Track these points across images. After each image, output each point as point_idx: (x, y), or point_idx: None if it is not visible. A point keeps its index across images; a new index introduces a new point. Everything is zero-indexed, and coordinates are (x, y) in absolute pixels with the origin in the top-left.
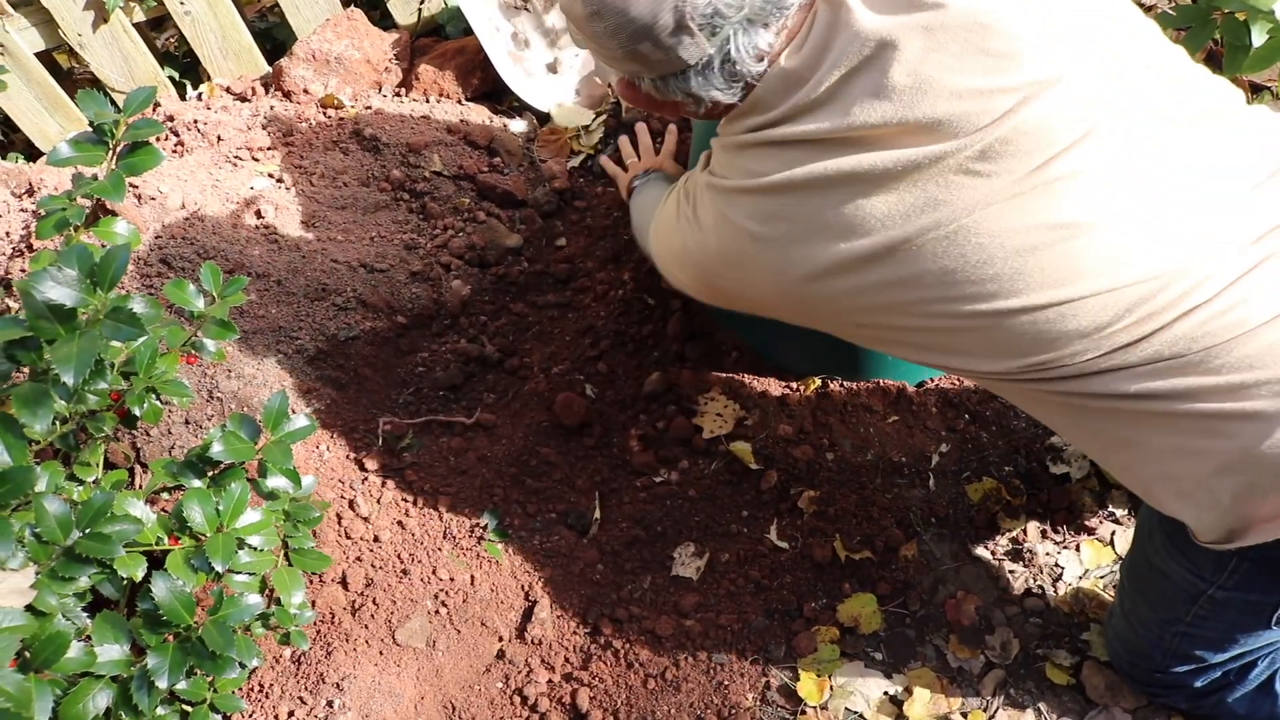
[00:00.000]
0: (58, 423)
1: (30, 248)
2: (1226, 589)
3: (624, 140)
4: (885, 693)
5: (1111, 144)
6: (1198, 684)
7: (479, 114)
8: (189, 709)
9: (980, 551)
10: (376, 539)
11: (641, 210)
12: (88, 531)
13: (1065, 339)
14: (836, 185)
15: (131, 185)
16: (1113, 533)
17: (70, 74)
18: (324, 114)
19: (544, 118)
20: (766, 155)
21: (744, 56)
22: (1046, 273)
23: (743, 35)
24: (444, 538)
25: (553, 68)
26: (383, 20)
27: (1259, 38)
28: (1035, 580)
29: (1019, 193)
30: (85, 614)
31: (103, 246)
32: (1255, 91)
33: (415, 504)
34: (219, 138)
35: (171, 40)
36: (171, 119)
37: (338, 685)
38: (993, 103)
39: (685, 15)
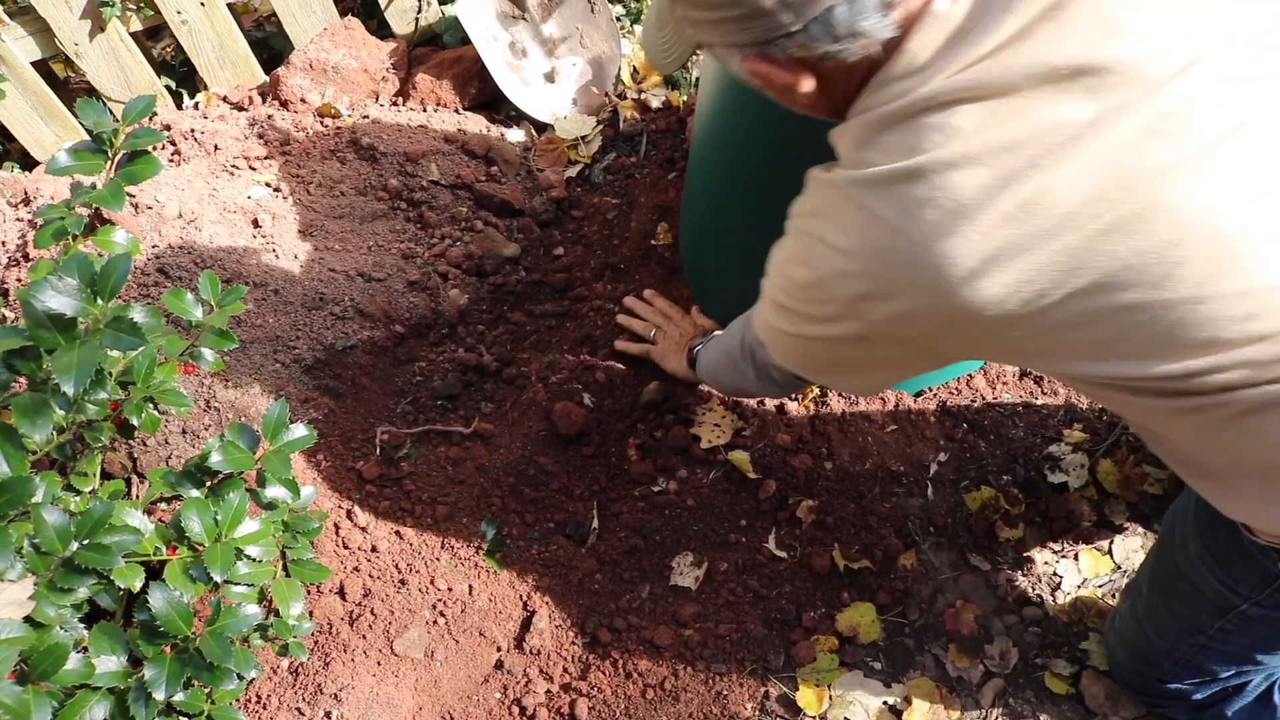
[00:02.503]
0: (55, 432)
1: (27, 256)
2: (1263, 606)
3: (627, 319)
4: (884, 702)
5: (1272, 111)
6: (1199, 696)
7: (476, 123)
8: None
9: (979, 561)
10: (374, 549)
11: (722, 355)
12: (86, 542)
13: (1251, 336)
14: (1009, 152)
15: (129, 194)
16: (1111, 541)
17: (66, 83)
18: (321, 123)
19: (541, 127)
20: (922, 126)
21: None
22: (1237, 257)
23: None
24: (442, 548)
25: (550, 77)
26: (380, 29)
27: None
28: (1034, 589)
29: (1206, 162)
30: (82, 625)
31: (101, 256)
32: None
33: (413, 514)
34: (216, 147)
35: (168, 49)
36: (168, 128)
37: (335, 696)
38: (1174, 50)
39: None
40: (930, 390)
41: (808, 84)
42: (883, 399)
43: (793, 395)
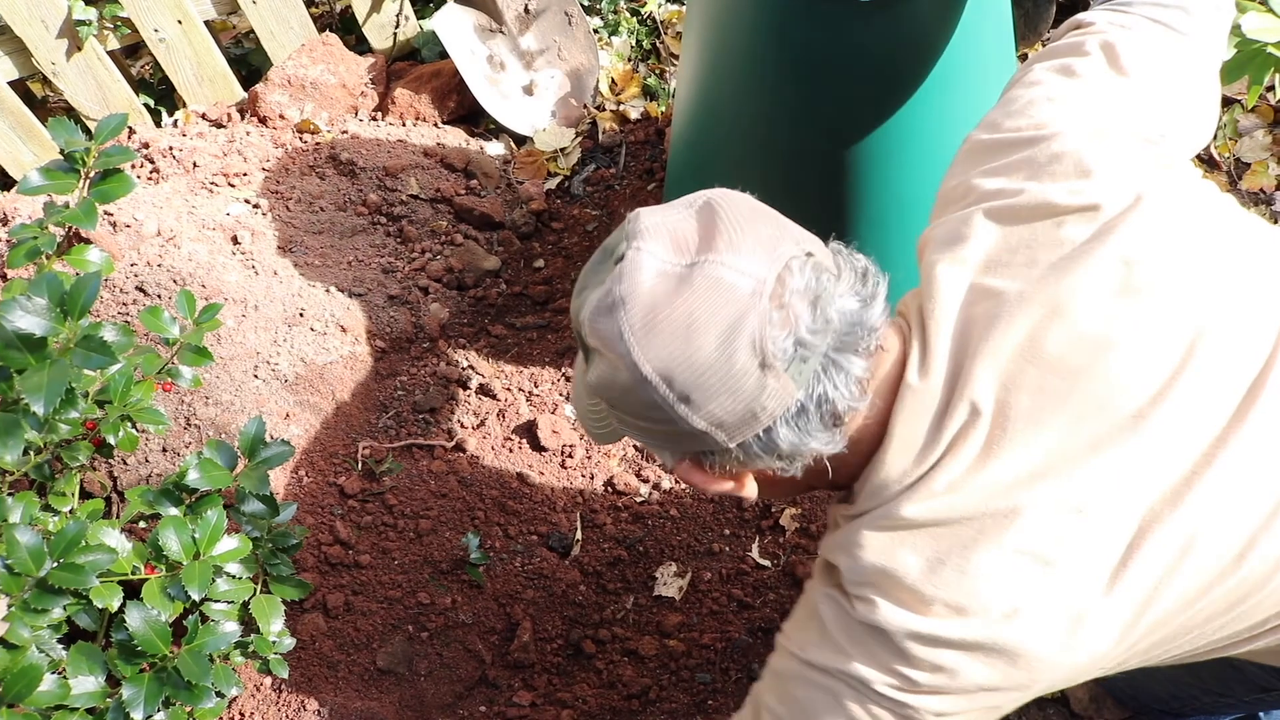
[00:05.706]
0: (32, 453)
1: (4, 276)
2: None
3: None
4: None
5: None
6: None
7: (455, 137)
8: None
9: None
10: (357, 564)
11: None
12: (60, 563)
13: None
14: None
15: (106, 213)
16: None
17: (45, 102)
18: (300, 139)
19: (521, 140)
20: (936, 536)
21: (843, 392)
22: None
23: (834, 369)
24: (425, 561)
25: (528, 90)
26: (358, 45)
27: (1227, 51)
28: None
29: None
30: (61, 646)
31: (76, 275)
32: (1226, 105)
33: (395, 528)
34: (195, 164)
35: (147, 68)
36: (147, 146)
37: (319, 712)
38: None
39: (767, 353)
40: None
41: (749, 489)
42: None
43: None
